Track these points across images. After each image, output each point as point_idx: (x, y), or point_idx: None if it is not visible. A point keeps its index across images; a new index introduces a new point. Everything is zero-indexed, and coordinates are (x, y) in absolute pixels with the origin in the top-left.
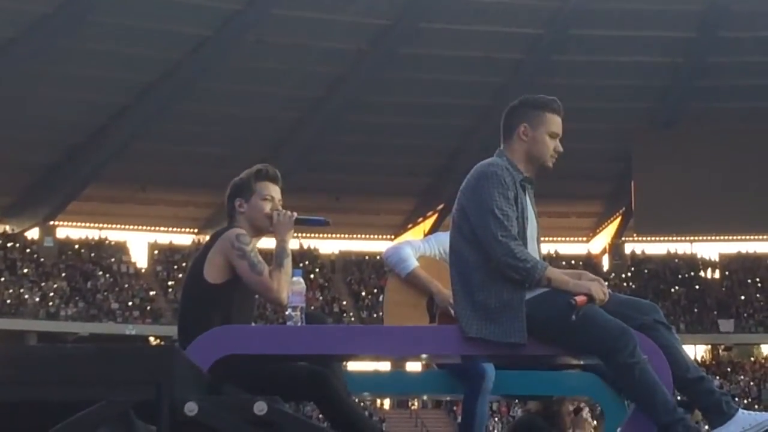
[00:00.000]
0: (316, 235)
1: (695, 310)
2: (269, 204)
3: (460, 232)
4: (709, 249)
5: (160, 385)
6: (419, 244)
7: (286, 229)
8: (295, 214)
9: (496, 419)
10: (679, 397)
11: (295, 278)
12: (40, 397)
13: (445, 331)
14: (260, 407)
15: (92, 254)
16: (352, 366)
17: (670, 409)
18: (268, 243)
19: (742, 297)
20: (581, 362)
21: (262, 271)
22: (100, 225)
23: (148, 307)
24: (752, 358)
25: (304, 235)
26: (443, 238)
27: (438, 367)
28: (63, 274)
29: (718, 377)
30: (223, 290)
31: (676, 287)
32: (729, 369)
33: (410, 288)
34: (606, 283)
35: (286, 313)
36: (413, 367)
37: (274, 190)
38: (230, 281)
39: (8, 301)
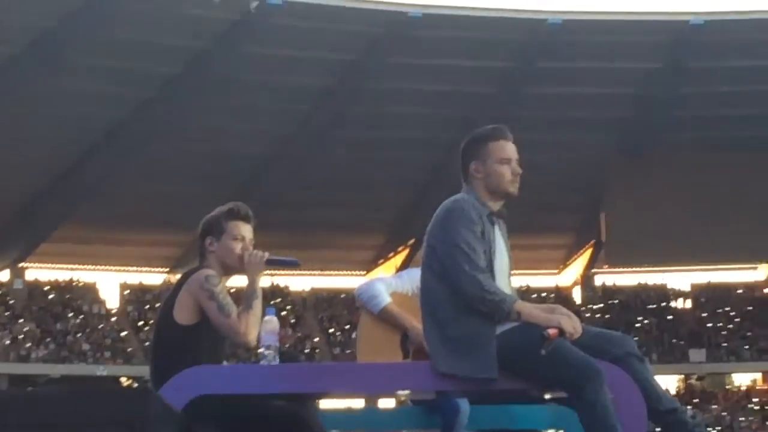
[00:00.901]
0: (287, 272)
1: (667, 340)
2: (240, 244)
3: (430, 268)
4: (680, 279)
5: (134, 427)
6: (391, 281)
7: (257, 269)
8: (267, 254)
9: None
10: (656, 430)
11: (268, 317)
12: None
13: (418, 367)
14: None
15: (63, 296)
16: (325, 404)
17: None
18: (241, 281)
19: (714, 326)
20: (556, 395)
21: (230, 313)
22: (71, 266)
23: (120, 348)
24: (725, 388)
25: (275, 272)
26: (415, 274)
27: (413, 402)
28: (33, 316)
29: (690, 407)
30: (194, 331)
31: (648, 318)
32: (701, 399)
33: (383, 324)
34: (578, 315)
35: (259, 351)
36: (387, 403)
37: (246, 230)
38: (200, 322)
39: None
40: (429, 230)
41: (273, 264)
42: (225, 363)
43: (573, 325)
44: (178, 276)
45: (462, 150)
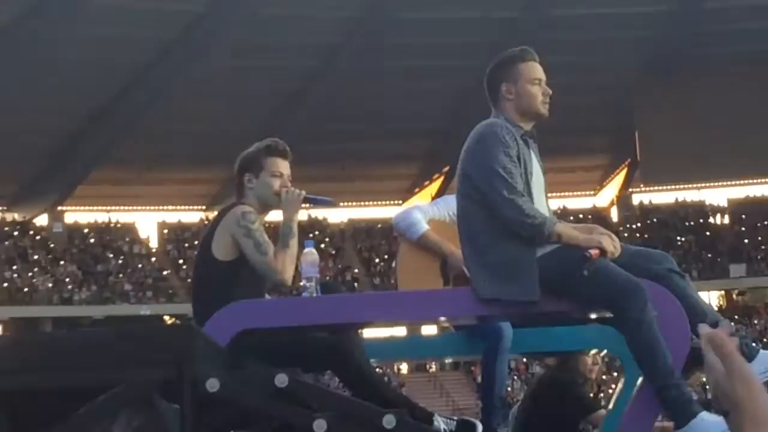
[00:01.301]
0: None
1: (706, 256)
2: (278, 180)
3: (466, 194)
4: (718, 195)
5: (181, 363)
6: (428, 208)
7: (294, 207)
8: (303, 192)
9: (515, 377)
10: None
11: (307, 249)
12: (61, 382)
13: (459, 293)
14: (281, 380)
15: (102, 237)
16: (367, 332)
17: (667, 372)
18: (279, 216)
19: (753, 241)
20: (598, 316)
21: (267, 251)
22: (108, 207)
23: (162, 287)
24: (766, 302)
25: (311, 207)
26: (452, 201)
27: (455, 328)
28: (74, 259)
29: (732, 322)
30: (234, 267)
31: (686, 235)
32: (743, 313)
33: (422, 252)
34: (616, 235)
35: (301, 284)
36: (429, 330)
37: (284, 166)
38: (240, 258)
39: (21, 289)
40: (462, 157)
41: (309, 202)
42: (267, 297)
43: (613, 244)
44: (216, 213)
45: (490, 72)
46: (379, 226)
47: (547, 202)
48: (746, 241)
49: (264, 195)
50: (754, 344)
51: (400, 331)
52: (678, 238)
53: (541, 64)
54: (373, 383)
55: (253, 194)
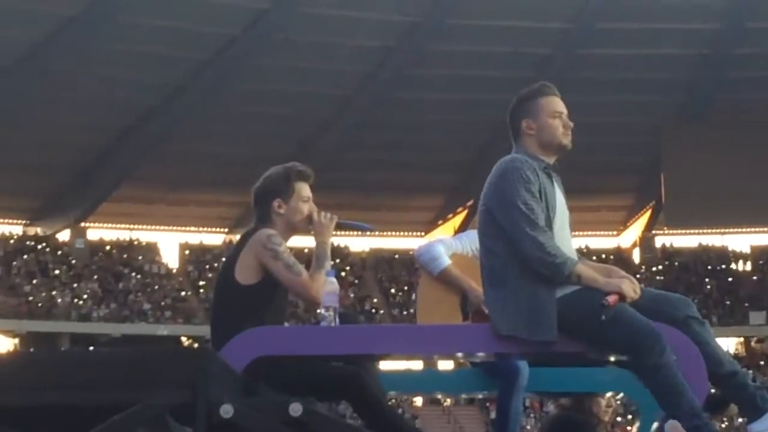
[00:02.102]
0: (348, 232)
1: (727, 302)
2: (308, 205)
3: (487, 230)
4: (740, 241)
5: (196, 387)
6: (451, 242)
7: (328, 231)
8: (336, 217)
9: (530, 415)
10: (713, 391)
11: (328, 278)
12: (76, 401)
13: (478, 329)
14: (295, 408)
15: (123, 255)
16: (384, 365)
17: (694, 413)
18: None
19: None
20: (616, 359)
21: (301, 272)
22: (131, 226)
23: (180, 308)
24: None
25: (335, 232)
26: (475, 236)
27: (471, 364)
28: (94, 276)
29: (751, 370)
30: (255, 291)
31: (708, 280)
32: (762, 361)
33: (443, 286)
34: (637, 277)
35: (319, 312)
36: (445, 365)
37: (309, 190)
38: (261, 282)
39: (40, 304)
40: (484, 192)
41: (343, 227)
42: (286, 324)
43: (633, 289)
44: (238, 236)
45: (511, 110)
46: (400, 256)
47: (570, 237)
48: (767, 288)
49: (294, 220)
50: None
51: (416, 365)
52: (699, 282)
53: (564, 101)
54: (388, 415)
55: (281, 220)
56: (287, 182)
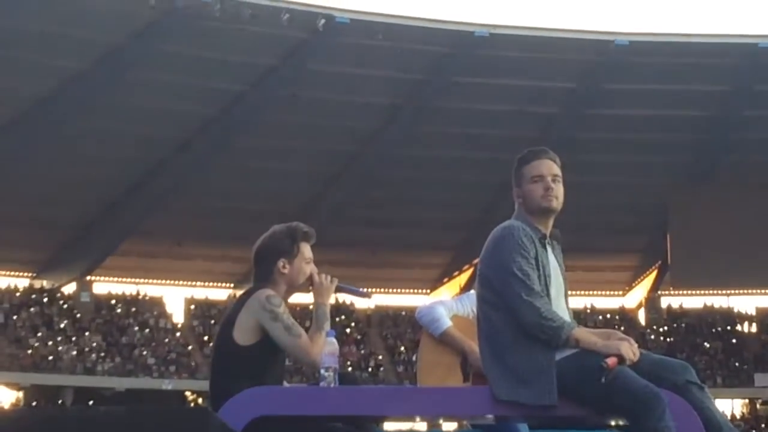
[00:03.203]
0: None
1: (732, 364)
2: (310, 267)
3: (484, 296)
4: (746, 303)
5: None
6: (452, 304)
7: (328, 293)
8: (336, 279)
9: None
10: None
11: (328, 339)
12: None
13: (477, 392)
14: None
15: (129, 309)
16: (388, 425)
17: None
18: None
19: None
20: (617, 422)
21: (300, 334)
22: (137, 280)
23: (185, 363)
24: None
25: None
26: (475, 298)
27: (472, 426)
28: (99, 329)
29: None
30: (254, 352)
31: (713, 341)
32: (766, 424)
33: (444, 347)
34: (642, 337)
35: (320, 372)
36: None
37: (311, 251)
38: (260, 342)
39: (45, 357)
40: (481, 258)
41: (342, 291)
42: (285, 383)
43: (632, 351)
44: (239, 295)
45: (511, 178)
46: (406, 313)
47: (567, 305)
48: None
49: (296, 280)
50: None
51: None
52: (704, 343)
53: (562, 160)
54: None
55: (284, 279)
56: (293, 242)
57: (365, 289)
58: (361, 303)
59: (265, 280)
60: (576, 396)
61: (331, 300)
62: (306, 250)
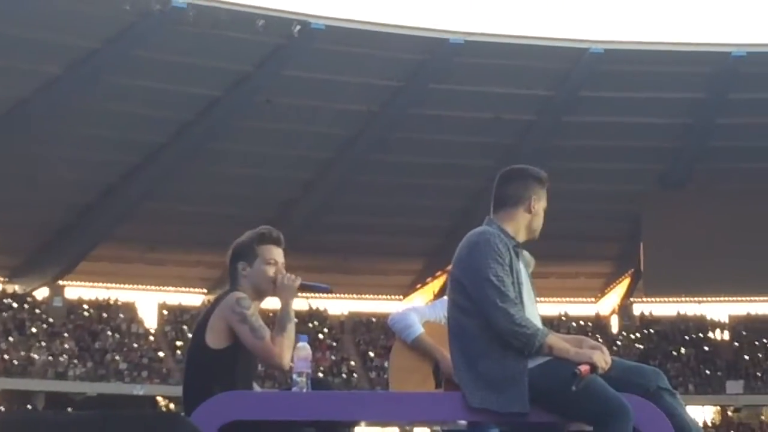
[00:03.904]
0: (325, 295)
1: (704, 371)
2: (273, 268)
3: (457, 302)
4: (719, 310)
5: None
6: (424, 310)
7: (290, 293)
8: (299, 278)
9: None
10: None
11: (300, 344)
12: None
13: (449, 398)
14: None
15: (101, 314)
16: (361, 430)
17: None
18: (273, 304)
19: (751, 358)
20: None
21: (264, 336)
22: (109, 285)
23: (157, 368)
24: (762, 420)
25: (313, 295)
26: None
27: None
28: (71, 334)
29: None
30: (226, 355)
31: (685, 348)
32: (738, 431)
33: (416, 354)
34: (615, 344)
35: (293, 377)
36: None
37: (278, 254)
38: (232, 346)
39: (16, 362)
40: (455, 263)
41: (306, 289)
42: (256, 386)
43: (604, 359)
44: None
45: (521, 179)
46: (378, 320)
47: (537, 313)
48: (745, 357)
49: (258, 282)
50: None
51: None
52: (677, 351)
53: (545, 168)
54: None
55: (247, 282)
56: (251, 245)
57: (327, 285)
58: (334, 309)
59: (234, 285)
60: (547, 403)
61: (302, 304)
62: (266, 251)
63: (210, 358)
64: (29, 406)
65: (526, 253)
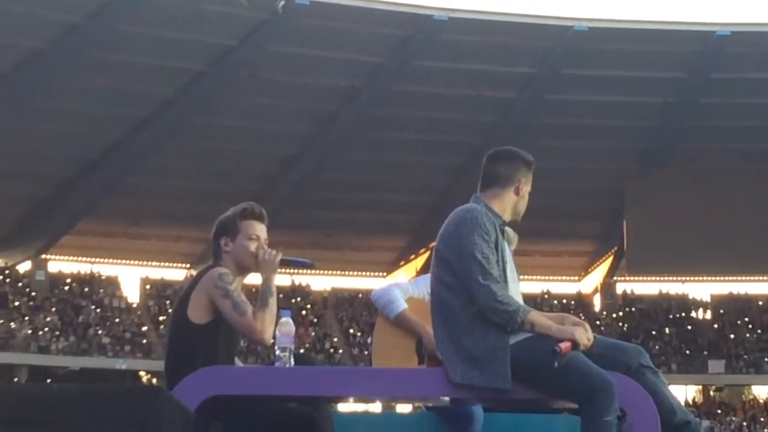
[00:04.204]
0: (308, 271)
1: (686, 350)
2: (255, 243)
3: (441, 278)
4: (701, 290)
5: (147, 426)
6: (408, 286)
7: (271, 268)
8: (280, 253)
9: None
10: None
11: (283, 319)
12: None
13: (431, 374)
14: None
15: (84, 288)
16: (343, 406)
17: None
18: (257, 280)
19: (733, 338)
20: (571, 406)
21: (246, 311)
22: (93, 259)
23: (139, 342)
24: (744, 399)
25: (295, 271)
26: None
27: (426, 408)
28: (54, 308)
29: (708, 418)
30: (208, 330)
31: (668, 327)
32: (720, 410)
33: (398, 330)
34: (597, 323)
35: (275, 353)
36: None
37: (260, 229)
38: (214, 321)
39: None
40: (440, 238)
41: (287, 264)
42: (238, 361)
43: (587, 336)
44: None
45: (510, 160)
46: (362, 296)
47: (519, 292)
48: (727, 337)
49: (240, 258)
50: None
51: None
52: (659, 330)
53: (527, 147)
54: None
55: (229, 258)
56: (233, 221)
57: (309, 260)
58: (317, 285)
59: (217, 260)
60: (529, 379)
61: (285, 280)
62: (248, 227)
63: (192, 332)
64: (16, 379)
65: (509, 230)
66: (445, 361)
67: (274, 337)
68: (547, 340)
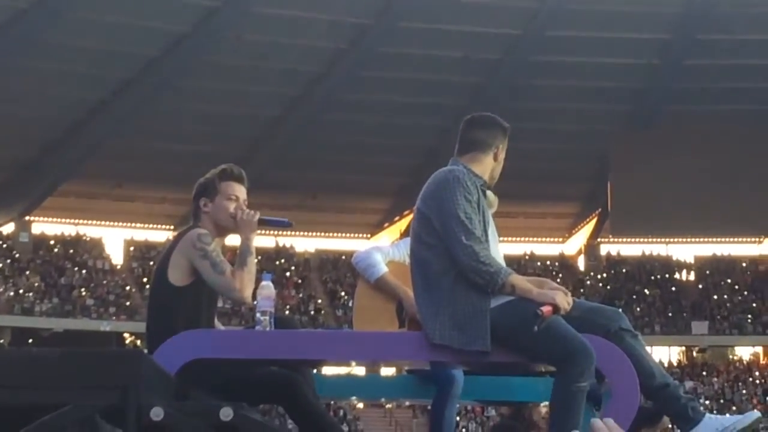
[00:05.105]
0: (292, 233)
1: (670, 312)
2: (233, 204)
3: (422, 238)
4: (685, 251)
5: (127, 389)
6: (389, 249)
7: (250, 228)
8: (258, 213)
9: (472, 419)
10: (646, 404)
11: (264, 282)
12: (5, 400)
13: (411, 337)
14: (226, 413)
15: (68, 250)
16: (327, 369)
17: None
18: (237, 241)
19: (717, 299)
20: (551, 368)
21: (224, 270)
22: (76, 221)
23: (123, 304)
24: (727, 360)
25: (280, 233)
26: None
27: (408, 372)
28: (38, 270)
29: (692, 379)
30: (188, 292)
31: (651, 289)
32: (703, 371)
33: (379, 293)
34: (581, 284)
35: (256, 316)
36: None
37: (239, 190)
38: (194, 283)
39: None
40: (421, 199)
41: (265, 224)
42: (219, 323)
43: (566, 300)
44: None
45: (488, 126)
46: (345, 258)
47: (500, 253)
48: (710, 298)
49: (219, 218)
50: (701, 409)
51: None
52: (642, 291)
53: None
54: (322, 421)
55: (208, 218)
56: (212, 182)
57: (287, 220)
58: (301, 246)
59: (196, 222)
60: (509, 343)
61: (269, 242)
62: (227, 187)
63: (172, 295)
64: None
65: (489, 193)
66: (424, 322)
67: (255, 299)
68: (527, 303)
